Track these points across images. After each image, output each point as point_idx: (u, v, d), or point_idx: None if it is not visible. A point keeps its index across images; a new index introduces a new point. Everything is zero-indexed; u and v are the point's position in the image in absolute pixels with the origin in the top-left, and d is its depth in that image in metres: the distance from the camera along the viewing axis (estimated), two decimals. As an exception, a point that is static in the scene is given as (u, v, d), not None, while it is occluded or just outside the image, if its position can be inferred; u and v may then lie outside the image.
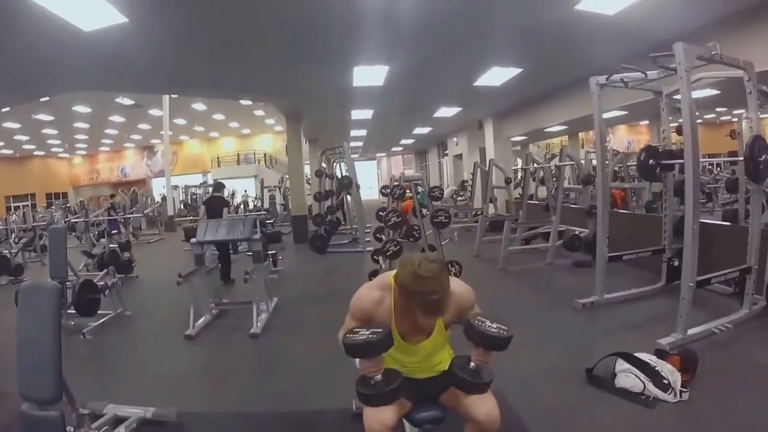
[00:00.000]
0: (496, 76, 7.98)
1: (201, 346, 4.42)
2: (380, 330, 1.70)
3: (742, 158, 3.86)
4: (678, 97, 3.52)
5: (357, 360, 1.77)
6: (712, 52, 3.46)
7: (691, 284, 3.46)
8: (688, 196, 3.41)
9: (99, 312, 5.01)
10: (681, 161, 3.74)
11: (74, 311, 4.81)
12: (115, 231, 9.65)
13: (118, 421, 2.63)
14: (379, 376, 1.73)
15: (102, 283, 5.09)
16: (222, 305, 5.33)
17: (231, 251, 7.40)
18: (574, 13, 4.97)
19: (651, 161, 4.32)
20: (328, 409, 2.93)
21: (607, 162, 5.33)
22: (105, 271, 5.44)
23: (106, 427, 2.44)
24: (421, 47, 6.51)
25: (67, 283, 4.73)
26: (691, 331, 3.57)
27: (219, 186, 7.75)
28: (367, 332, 1.70)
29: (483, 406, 1.79)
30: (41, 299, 2.15)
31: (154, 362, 4.13)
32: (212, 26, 5.51)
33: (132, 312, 5.44)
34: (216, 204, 7.21)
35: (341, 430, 2.66)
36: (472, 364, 1.77)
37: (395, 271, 1.79)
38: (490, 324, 1.75)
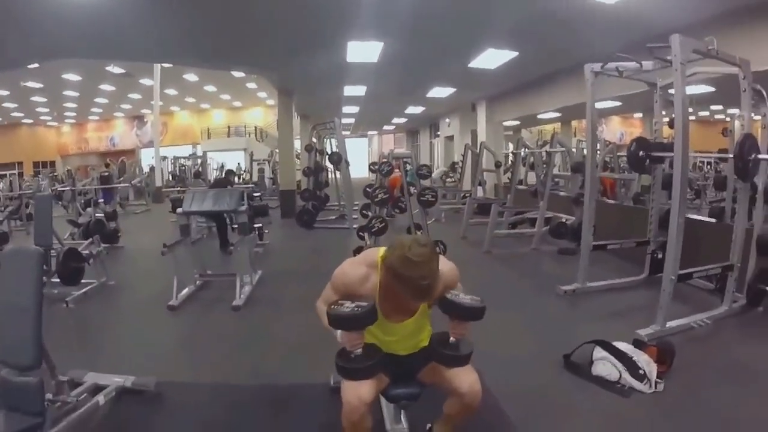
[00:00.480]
0: (492, 59, 7.91)
1: (183, 317, 4.42)
2: (365, 304, 1.71)
3: (731, 156, 3.88)
4: (672, 90, 3.52)
5: (338, 333, 1.78)
6: (709, 47, 3.45)
7: (673, 277, 3.50)
8: (676, 190, 3.43)
9: (83, 281, 4.97)
10: (671, 154, 3.75)
11: (58, 280, 4.78)
12: (102, 200, 9.49)
13: (98, 389, 2.62)
14: (359, 350, 1.76)
15: (87, 252, 5.05)
16: (206, 276, 5.31)
17: (229, 223, 7.44)
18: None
19: (641, 153, 4.33)
20: (306, 383, 2.94)
21: (597, 151, 5.33)
22: (90, 240, 5.40)
23: (85, 395, 2.43)
24: (416, 24, 6.40)
25: (52, 252, 4.67)
26: (670, 324, 3.62)
27: (230, 172, 9.28)
28: (353, 305, 1.71)
29: (465, 379, 1.81)
30: (23, 264, 2.12)
31: (136, 332, 4.15)
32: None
33: (116, 282, 5.40)
34: (222, 184, 8.10)
35: (319, 404, 2.67)
36: (451, 338, 1.81)
37: (382, 249, 1.78)
38: (464, 296, 1.80)
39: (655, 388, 2.82)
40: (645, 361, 2.94)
